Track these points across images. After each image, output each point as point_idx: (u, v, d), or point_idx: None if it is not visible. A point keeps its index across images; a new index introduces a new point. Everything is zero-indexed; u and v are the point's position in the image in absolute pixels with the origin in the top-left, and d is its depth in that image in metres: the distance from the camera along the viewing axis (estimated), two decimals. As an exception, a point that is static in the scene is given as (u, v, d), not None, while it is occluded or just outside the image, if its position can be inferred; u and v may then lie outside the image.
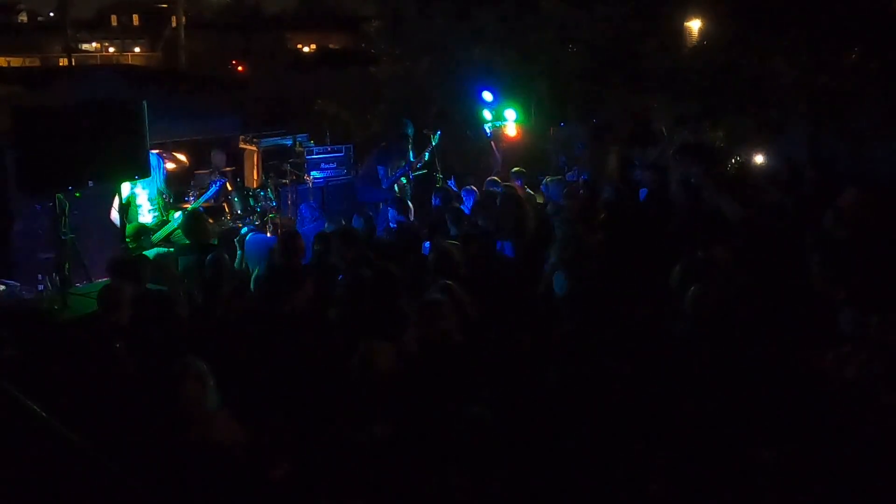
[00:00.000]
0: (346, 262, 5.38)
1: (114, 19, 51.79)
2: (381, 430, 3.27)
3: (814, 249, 4.53)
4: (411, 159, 9.75)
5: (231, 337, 4.45)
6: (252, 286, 5.68)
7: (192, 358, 3.56)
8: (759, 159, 9.46)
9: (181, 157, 9.38)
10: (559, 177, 8.92)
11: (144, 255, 6.41)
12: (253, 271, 6.14)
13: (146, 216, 8.34)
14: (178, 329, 4.63)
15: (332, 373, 3.89)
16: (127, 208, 7.86)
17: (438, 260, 5.12)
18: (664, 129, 10.51)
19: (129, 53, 45.74)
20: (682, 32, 11.14)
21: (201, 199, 8.87)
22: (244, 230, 8.52)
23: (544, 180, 8.72)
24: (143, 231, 7.42)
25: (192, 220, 6.80)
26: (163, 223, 8.28)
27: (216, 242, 6.92)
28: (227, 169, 9.64)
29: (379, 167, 9.55)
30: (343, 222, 6.91)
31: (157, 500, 2.74)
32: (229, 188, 9.41)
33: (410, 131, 9.84)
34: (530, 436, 3.18)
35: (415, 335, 3.97)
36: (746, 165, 9.61)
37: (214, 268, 5.41)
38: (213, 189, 8.99)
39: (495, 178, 8.84)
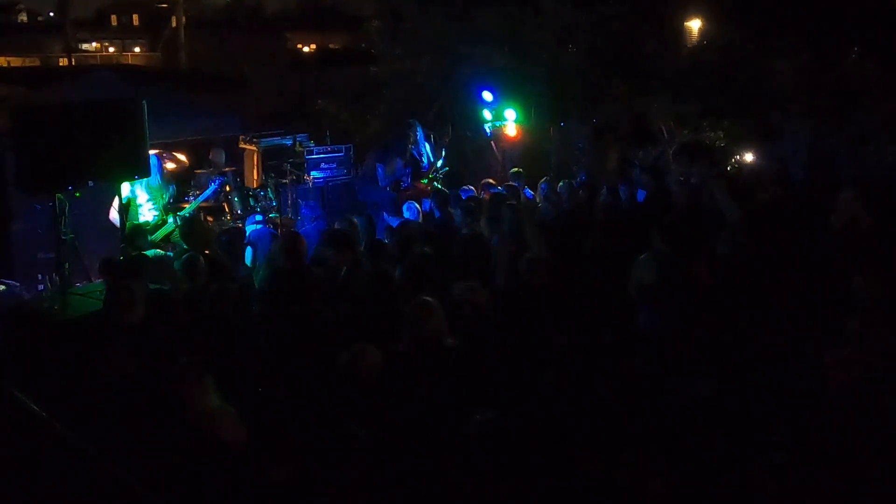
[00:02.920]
0: (345, 264, 5.37)
1: (114, 19, 51.74)
2: (368, 430, 3.27)
3: (835, 238, 4.55)
4: (431, 160, 9.81)
5: (233, 338, 4.44)
6: (258, 286, 5.68)
7: (191, 358, 3.56)
8: (759, 159, 9.46)
9: (181, 157, 9.38)
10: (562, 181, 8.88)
11: (144, 255, 6.40)
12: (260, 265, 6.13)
13: (147, 216, 8.34)
14: (179, 329, 4.63)
15: (333, 373, 3.89)
16: (127, 208, 7.86)
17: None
18: (664, 129, 10.51)
19: (129, 53, 45.71)
20: (682, 32, 11.15)
21: (199, 199, 8.86)
22: (252, 226, 8.52)
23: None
24: (139, 231, 7.41)
25: (189, 225, 6.78)
26: (161, 223, 8.29)
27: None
28: (228, 169, 9.64)
29: (378, 166, 9.56)
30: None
31: (158, 501, 2.74)
32: (228, 188, 9.41)
33: (420, 132, 9.87)
34: (534, 438, 3.18)
35: (408, 336, 3.98)
36: (746, 165, 9.61)
37: (189, 269, 5.42)
38: (212, 188, 8.99)
39: (490, 180, 8.83)
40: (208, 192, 8.95)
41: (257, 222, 8.78)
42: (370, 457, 3.17)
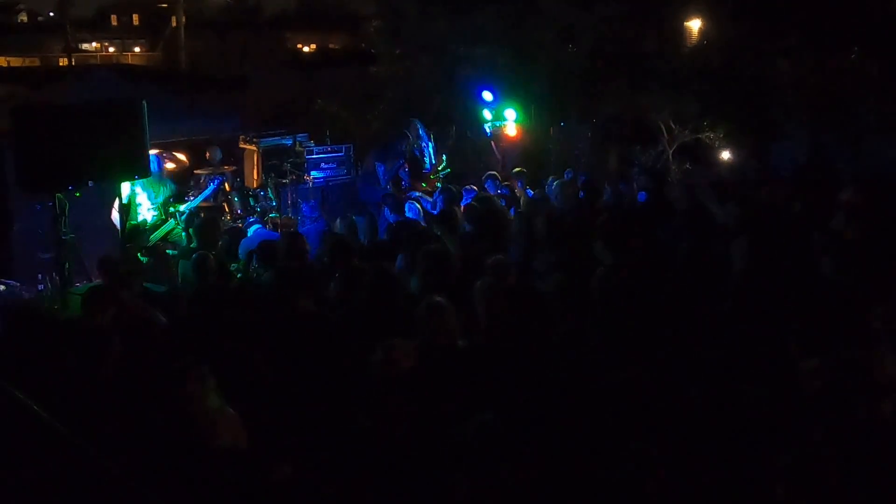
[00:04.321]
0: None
1: (114, 19, 51.74)
2: (396, 429, 3.26)
3: (825, 252, 4.56)
4: (433, 161, 9.82)
5: (235, 337, 4.44)
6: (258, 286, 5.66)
7: (192, 358, 3.55)
8: (757, 159, 9.47)
9: (181, 156, 9.39)
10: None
11: (139, 258, 6.40)
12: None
13: (146, 215, 8.34)
14: (176, 329, 4.62)
15: (335, 373, 3.89)
16: (128, 208, 7.87)
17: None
18: (664, 129, 10.52)
19: (129, 53, 45.70)
20: (682, 32, 11.16)
21: (198, 199, 8.83)
22: (253, 226, 8.50)
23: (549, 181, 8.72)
24: (139, 231, 7.41)
25: (206, 224, 6.75)
26: (161, 223, 8.28)
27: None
28: (228, 168, 9.64)
29: (378, 165, 9.56)
30: (338, 223, 6.86)
31: (159, 501, 2.74)
32: (228, 188, 9.42)
33: (422, 131, 9.86)
34: (534, 440, 3.18)
35: (419, 338, 3.95)
36: (744, 165, 9.63)
37: (200, 267, 5.41)
38: (211, 188, 8.97)
39: (493, 173, 8.83)
40: (207, 191, 8.94)
41: (251, 224, 8.72)
42: (372, 457, 3.17)
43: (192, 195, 9.02)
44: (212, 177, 9.16)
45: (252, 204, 9.48)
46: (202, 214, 8.03)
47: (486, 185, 8.47)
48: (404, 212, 7.66)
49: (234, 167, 9.97)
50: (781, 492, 2.65)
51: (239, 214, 9.25)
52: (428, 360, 3.83)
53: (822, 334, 3.84)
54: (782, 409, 3.29)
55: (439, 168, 10.34)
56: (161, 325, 4.61)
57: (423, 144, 9.96)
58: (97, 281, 6.26)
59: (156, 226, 8.21)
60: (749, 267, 4.85)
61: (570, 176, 8.63)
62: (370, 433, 3.26)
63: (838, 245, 4.77)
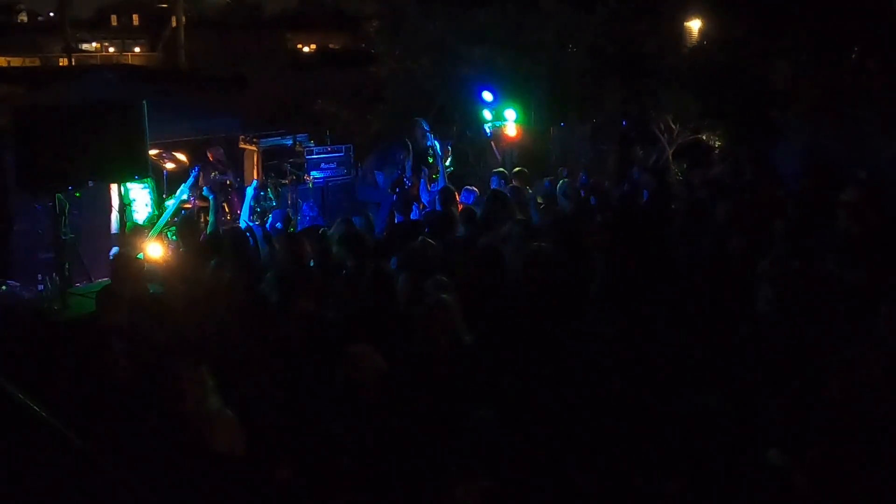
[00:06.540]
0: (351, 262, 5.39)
1: (114, 19, 51.78)
2: (369, 436, 3.25)
3: (829, 249, 4.56)
4: (438, 154, 9.82)
5: (235, 338, 4.44)
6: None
7: (192, 359, 3.55)
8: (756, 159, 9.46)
9: (181, 156, 9.37)
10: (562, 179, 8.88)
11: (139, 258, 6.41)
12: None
13: (142, 215, 8.33)
14: (177, 329, 4.62)
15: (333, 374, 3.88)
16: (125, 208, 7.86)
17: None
18: (664, 129, 10.52)
19: (129, 53, 45.73)
20: (682, 32, 11.17)
21: (184, 187, 8.55)
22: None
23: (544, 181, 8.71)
24: (140, 231, 7.41)
25: (187, 223, 6.78)
26: (157, 218, 8.26)
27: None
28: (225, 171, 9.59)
29: (377, 173, 9.51)
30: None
31: (157, 502, 2.74)
32: (229, 187, 9.39)
33: (427, 129, 9.83)
34: (537, 437, 3.17)
35: (421, 336, 3.95)
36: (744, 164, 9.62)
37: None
38: (192, 174, 8.69)
39: (502, 170, 8.80)
40: (189, 181, 8.67)
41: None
42: (370, 458, 3.17)
43: (193, 196, 9.00)
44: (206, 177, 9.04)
45: (252, 204, 9.44)
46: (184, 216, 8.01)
47: (491, 181, 8.45)
48: (410, 212, 7.65)
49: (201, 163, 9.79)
50: (804, 486, 2.64)
51: (239, 214, 9.22)
52: (429, 359, 3.83)
53: (828, 333, 3.84)
54: (797, 407, 3.28)
55: (446, 163, 10.29)
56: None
57: (430, 143, 9.92)
58: (101, 280, 6.28)
59: (151, 223, 8.18)
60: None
61: (565, 174, 8.60)
62: (343, 439, 3.25)
63: (841, 244, 4.78)
